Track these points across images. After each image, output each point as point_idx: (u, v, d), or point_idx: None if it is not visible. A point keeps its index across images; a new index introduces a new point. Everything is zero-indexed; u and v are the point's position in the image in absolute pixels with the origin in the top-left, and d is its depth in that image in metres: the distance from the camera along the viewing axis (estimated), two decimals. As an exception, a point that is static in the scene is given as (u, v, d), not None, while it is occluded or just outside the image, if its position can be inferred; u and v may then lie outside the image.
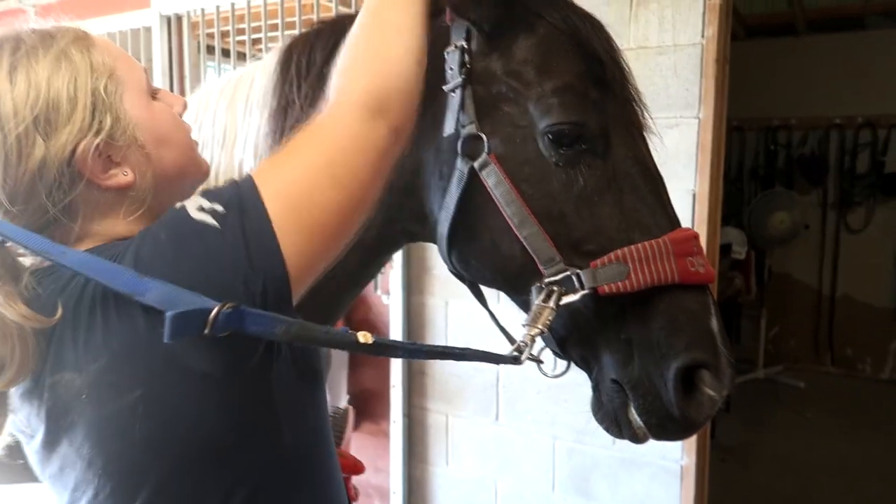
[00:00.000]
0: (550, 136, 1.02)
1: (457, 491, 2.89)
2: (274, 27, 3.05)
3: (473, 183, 1.05)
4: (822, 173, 5.94)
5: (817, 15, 5.45)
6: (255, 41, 3.12)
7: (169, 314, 0.70)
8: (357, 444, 3.03)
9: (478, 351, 0.97)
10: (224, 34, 3.24)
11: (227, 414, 0.80)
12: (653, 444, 2.43)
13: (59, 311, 0.77)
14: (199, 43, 3.33)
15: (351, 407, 2.95)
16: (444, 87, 1.07)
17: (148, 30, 3.35)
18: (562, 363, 1.14)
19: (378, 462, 3.01)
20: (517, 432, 2.72)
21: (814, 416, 5.09)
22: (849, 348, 6.02)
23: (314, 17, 2.90)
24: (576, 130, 1.01)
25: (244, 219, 0.78)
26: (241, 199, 0.79)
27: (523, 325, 1.01)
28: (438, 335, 2.83)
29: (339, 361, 2.89)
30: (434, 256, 2.76)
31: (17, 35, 0.85)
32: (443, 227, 1.10)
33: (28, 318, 0.77)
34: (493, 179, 1.03)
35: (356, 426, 3.05)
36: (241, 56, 3.13)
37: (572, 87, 1.03)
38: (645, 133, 1.12)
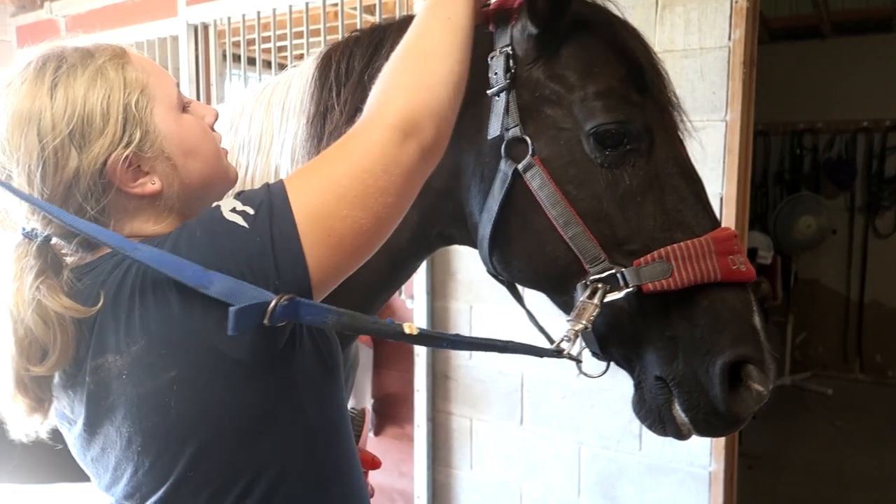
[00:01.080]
0: (595, 138, 1.04)
1: (481, 495, 2.88)
2: (299, 35, 3.08)
3: (517, 185, 1.07)
4: (849, 177, 5.85)
5: (843, 17, 5.38)
6: (281, 49, 3.16)
7: (232, 310, 0.76)
8: (381, 448, 3.04)
9: (521, 343, 1.00)
10: (250, 42, 3.29)
11: (255, 397, 0.85)
12: (680, 451, 2.42)
13: (101, 302, 0.83)
14: (225, 51, 3.38)
15: (368, 408, 2.97)
16: (489, 92, 1.09)
17: (175, 38, 3.41)
18: (601, 364, 1.15)
19: (402, 466, 3.02)
20: (542, 437, 2.71)
21: (842, 423, 5.00)
22: (878, 355, 5.90)
23: (339, 24, 2.93)
24: (621, 130, 1.04)
25: (273, 222, 0.82)
26: (272, 203, 0.83)
27: (568, 321, 1.03)
28: (462, 340, 2.83)
29: (364, 365, 2.91)
30: (458, 261, 2.77)
31: (62, 52, 0.90)
32: (485, 229, 1.12)
33: (69, 308, 0.83)
34: (537, 181, 1.06)
35: (379, 430, 3.06)
36: (267, 64, 3.17)
37: (615, 91, 1.06)
38: (682, 136, 1.14)
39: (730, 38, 2.20)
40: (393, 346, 2.99)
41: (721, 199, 2.26)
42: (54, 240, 0.89)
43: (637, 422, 2.53)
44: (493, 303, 2.67)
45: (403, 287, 2.88)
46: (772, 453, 4.48)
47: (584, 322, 1.01)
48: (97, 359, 0.84)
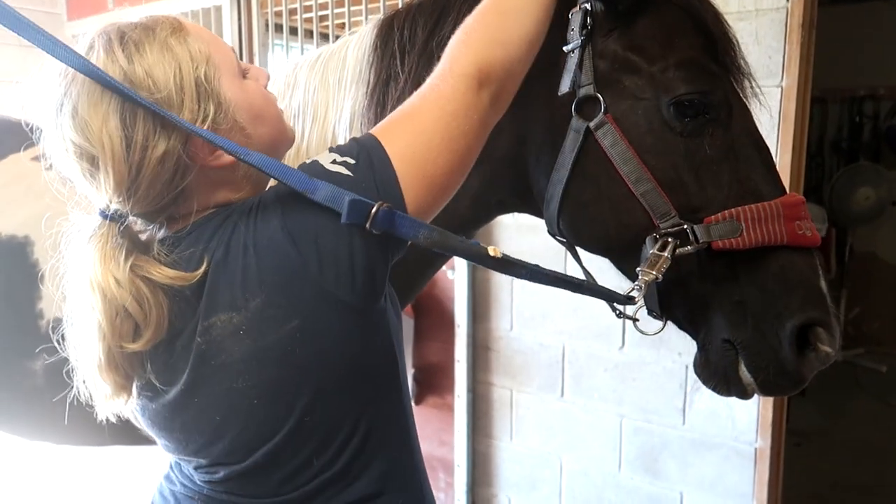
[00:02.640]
0: (676, 108, 1.06)
1: (521, 466, 2.90)
2: (340, 3, 3.06)
3: (589, 143, 1.09)
4: (912, 146, 5.58)
5: (910, -24, 5.10)
6: (322, 18, 3.15)
7: (348, 197, 0.82)
8: (422, 417, 3.06)
9: (596, 285, 1.06)
10: (292, 12, 3.28)
11: (364, 341, 0.90)
12: (725, 426, 2.38)
13: (204, 265, 0.86)
14: (267, 21, 3.38)
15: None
16: (565, 48, 1.10)
17: (218, 8, 3.42)
18: (657, 323, 1.17)
19: (443, 435, 3.05)
20: (583, 409, 2.70)
21: (896, 402, 4.85)
22: (936, 332, 5.69)
23: (381, -9, 2.89)
24: (702, 100, 1.06)
25: (373, 170, 0.88)
26: (370, 154, 0.89)
27: (639, 271, 1.05)
28: (504, 311, 2.82)
29: (405, 335, 2.92)
30: (500, 232, 2.74)
31: (121, 30, 0.89)
32: (554, 189, 1.14)
33: (175, 277, 0.85)
34: (609, 139, 1.07)
35: (420, 399, 3.08)
36: (309, 34, 3.16)
37: (695, 61, 1.08)
38: (749, 103, 1.15)
39: (787, 0, 2.10)
40: (434, 317, 2.99)
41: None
42: (134, 222, 0.91)
43: (680, 396, 2.50)
44: (534, 274, 2.64)
45: (444, 258, 2.87)
46: (821, 430, 4.39)
47: (654, 273, 1.03)
48: (209, 319, 0.86)
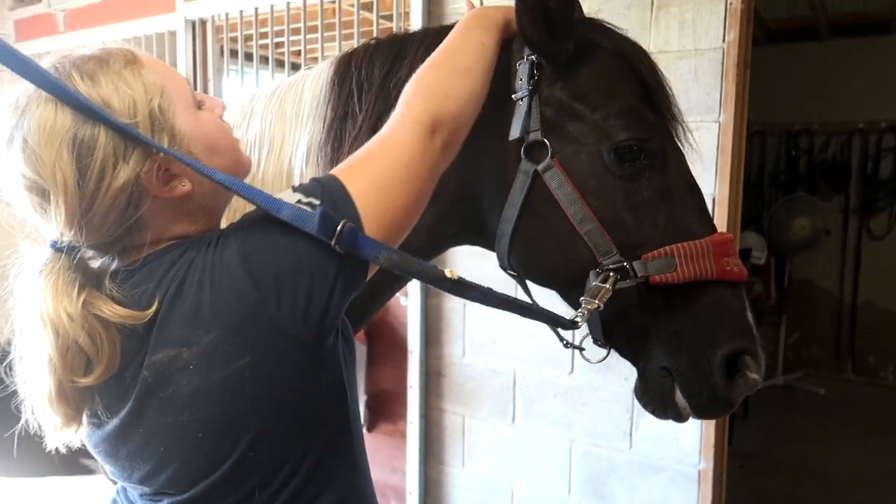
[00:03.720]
0: (616, 153, 1.14)
1: (472, 492, 2.90)
2: (296, 31, 3.09)
3: (536, 185, 1.16)
4: (844, 179, 5.87)
5: (841, 19, 5.39)
6: (278, 45, 3.17)
7: (320, 208, 0.86)
8: (374, 444, 3.06)
9: (543, 309, 1.10)
10: (247, 38, 3.29)
11: (316, 378, 0.92)
12: (670, 449, 2.44)
13: (156, 304, 0.86)
14: (222, 47, 3.39)
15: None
16: (514, 96, 1.18)
17: (173, 34, 3.41)
18: (601, 351, 1.24)
19: (394, 462, 3.03)
20: (533, 435, 2.73)
21: (834, 423, 5.03)
22: (871, 356, 5.94)
23: (336, 21, 2.93)
24: (639, 146, 1.14)
25: (336, 210, 0.89)
26: (332, 195, 0.91)
27: (582, 300, 1.12)
28: (456, 337, 2.84)
29: (357, 361, 2.92)
30: (451, 260, 2.78)
31: (76, 61, 0.88)
32: (505, 227, 1.21)
33: (126, 316, 0.85)
34: (555, 182, 1.15)
35: (372, 426, 3.07)
36: (264, 60, 3.18)
37: (633, 110, 1.16)
38: (683, 147, 1.23)
39: (724, 40, 2.22)
40: (387, 343, 3.00)
41: (714, 199, 2.28)
42: (85, 252, 0.90)
43: (627, 420, 2.56)
44: (486, 301, 2.68)
45: (398, 284, 2.89)
46: (763, 452, 4.51)
47: (597, 302, 1.09)
48: (157, 354, 0.86)
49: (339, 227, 0.86)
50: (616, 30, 1.23)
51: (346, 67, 1.28)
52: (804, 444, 4.68)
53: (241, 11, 3.17)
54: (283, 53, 3.14)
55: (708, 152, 2.26)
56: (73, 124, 0.84)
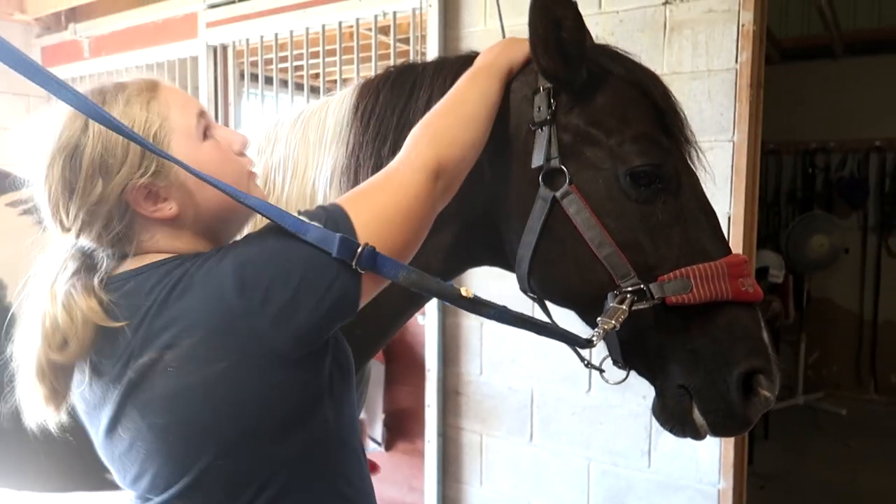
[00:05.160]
0: (632, 177, 1.17)
1: (491, 512, 2.90)
2: (315, 55, 3.16)
3: (555, 210, 1.20)
4: (861, 196, 5.84)
5: (854, 37, 5.41)
6: (297, 69, 3.24)
7: (339, 235, 0.91)
8: (392, 463, 3.06)
9: (559, 327, 1.14)
10: (267, 63, 3.36)
11: (291, 392, 0.93)
12: (689, 468, 2.43)
13: (139, 316, 0.91)
14: (243, 71, 3.46)
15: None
16: (531, 126, 1.23)
17: (195, 59, 3.50)
18: (621, 373, 1.26)
19: (412, 481, 3.04)
20: (551, 453, 2.73)
21: (856, 444, 4.96)
22: (892, 375, 5.85)
23: (354, 45, 3.00)
24: (654, 172, 1.18)
25: None
26: (337, 222, 0.95)
27: (599, 320, 1.14)
28: (473, 356, 2.86)
29: (375, 380, 2.94)
30: (468, 278, 2.80)
31: (103, 89, 1.00)
32: (525, 251, 1.24)
33: (93, 311, 0.92)
34: (574, 207, 1.18)
35: (391, 445, 3.08)
36: (284, 84, 3.25)
37: (648, 135, 1.20)
38: (696, 168, 1.26)
39: (737, 61, 2.25)
40: (405, 362, 3.02)
41: (729, 218, 2.29)
42: (89, 245, 0.98)
43: (646, 439, 2.55)
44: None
45: (415, 303, 2.91)
46: (784, 473, 4.45)
47: (613, 322, 1.11)
48: (142, 355, 0.90)
49: (359, 250, 0.90)
50: (628, 56, 1.27)
51: (369, 95, 1.33)
52: (826, 465, 4.62)
53: (262, 37, 3.25)
54: (301, 77, 3.21)
55: (722, 172, 2.28)
56: (76, 141, 0.94)
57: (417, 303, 1.45)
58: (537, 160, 1.21)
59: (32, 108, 4.24)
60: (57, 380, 0.95)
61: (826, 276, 5.86)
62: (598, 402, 2.60)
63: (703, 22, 2.29)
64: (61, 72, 4.14)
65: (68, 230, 0.96)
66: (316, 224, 0.92)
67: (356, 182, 1.28)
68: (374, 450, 2.99)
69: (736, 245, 2.28)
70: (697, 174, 1.27)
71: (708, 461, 2.40)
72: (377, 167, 1.25)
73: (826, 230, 5.47)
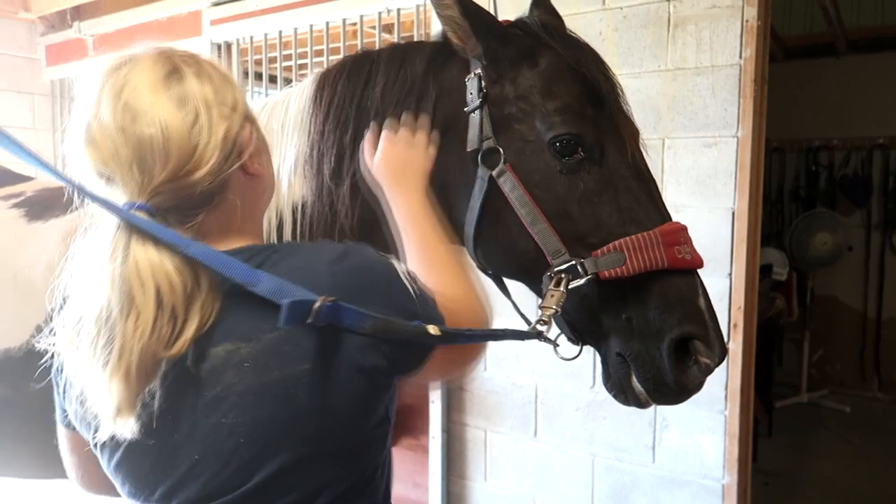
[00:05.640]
0: (554, 147, 1.20)
1: (495, 507, 2.91)
2: (319, 53, 3.17)
3: (492, 189, 1.23)
4: (865, 194, 5.83)
5: (858, 35, 5.40)
6: (301, 67, 3.25)
7: (285, 301, 0.79)
8: (396, 459, 3.05)
9: (511, 330, 1.12)
10: (271, 60, 3.37)
11: (368, 408, 0.91)
12: (693, 463, 2.43)
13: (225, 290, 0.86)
14: (247, 69, 3.47)
15: None
16: (465, 109, 1.27)
17: (200, 57, 3.50)
18: (575, 348, 1.28)
19: (417, 477, 3.05)
20: (555, 449, 2.73)
21: (860, 441, 4.96)
22: (896, 373, 5.85)
23: (357, 43, 3.01)
24: (574, 140, 1.20)
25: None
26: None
27: (539, 308, 1.16)
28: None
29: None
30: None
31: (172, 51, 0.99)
32: (469, 229, 1.28)
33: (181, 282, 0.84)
34: (508, 185, 1.22)
35: (395, 441, 3.08)
36: (287, 81, 3.25)
37: (570, 107, 1.22)
38: (637, 141, 1.28)
39: (741, 56, 2.25)
40: (409, 357, 3.02)
41: (733, 213, 2.29)
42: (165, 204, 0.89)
43: (650, 434, 2.56)
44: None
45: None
46: (789, 470, 4.45)
47: (552, 307, 1.14)
48: (216, 346, 0.84)
49: (316, 306, 0.80)
50: (571, 34, 1.31)
51: (326, 83, 1.36)
52: (830, 463, 4.61)
53: (266, 34, 3.26)
54: (305, 75, 3.22)
55: (726, 167, 2.28)
56: (191, 88, 0.93)
57: None
58: (473, 143, 1.25)
59: (36, 106, 4.26)
60: (148, 378, 0.84)
61: (830, 273, 5.86)
62: (602, 398, 2.60)
63: (707, 17, 2.29)
64: (65, 70, 4.15)
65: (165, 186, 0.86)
66: (268, 274, 0.84)
67: (319, 170, 1.31)
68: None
69: (740, 241, 2.29)
70: (639, 144, 1.28)
71: (712, 457, 2.41)
72: (339, 156, 1.31)
73: (830, 228, 5.46)
